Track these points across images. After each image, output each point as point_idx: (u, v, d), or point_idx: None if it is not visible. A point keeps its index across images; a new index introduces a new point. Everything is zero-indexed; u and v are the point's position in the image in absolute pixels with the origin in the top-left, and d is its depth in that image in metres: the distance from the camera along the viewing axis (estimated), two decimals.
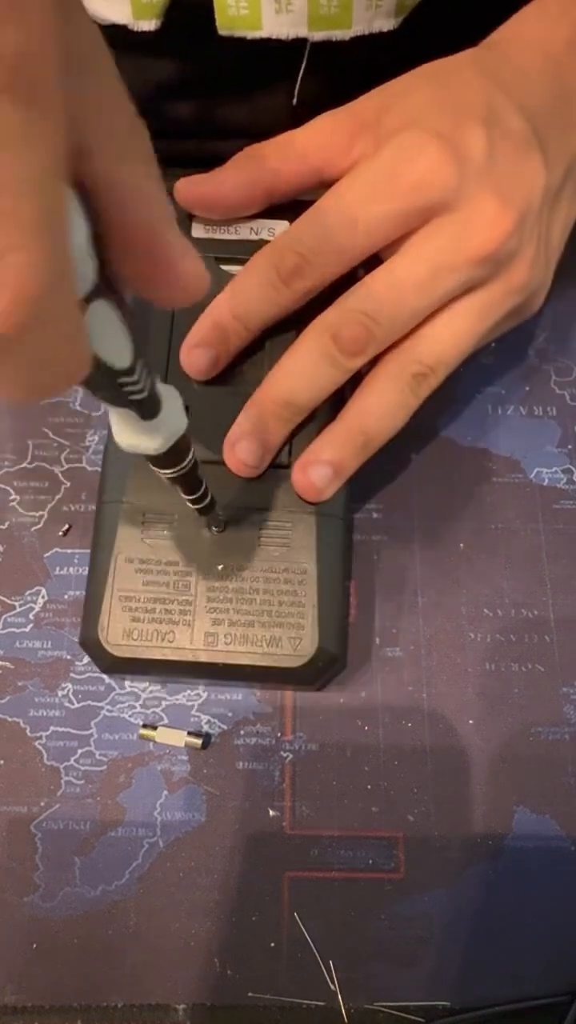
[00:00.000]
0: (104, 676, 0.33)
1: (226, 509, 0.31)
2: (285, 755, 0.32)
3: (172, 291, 0.17)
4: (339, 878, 0.30)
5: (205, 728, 0.32)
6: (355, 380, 0.31)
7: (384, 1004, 0.29)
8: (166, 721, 0.32)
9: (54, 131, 0.13)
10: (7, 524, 0.35)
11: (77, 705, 0.32)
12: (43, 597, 0.34)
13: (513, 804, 0.31)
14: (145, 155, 0.16)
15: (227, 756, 0.32)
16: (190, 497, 0.26)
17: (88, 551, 0.32)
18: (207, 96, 0.40)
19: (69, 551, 0.35)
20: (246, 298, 0.30)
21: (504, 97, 0.30)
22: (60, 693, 0.33)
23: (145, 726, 0.32)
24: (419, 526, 0.36)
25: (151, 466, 0.23)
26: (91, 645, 0.30)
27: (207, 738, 0.32)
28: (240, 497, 0.31)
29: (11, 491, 0.36)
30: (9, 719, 0.32)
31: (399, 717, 0.33)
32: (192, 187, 0.32)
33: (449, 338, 0.30)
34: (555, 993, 0.29)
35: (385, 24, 0.35)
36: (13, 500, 0.36)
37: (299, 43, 0.35)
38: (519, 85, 0.30)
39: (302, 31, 0.34)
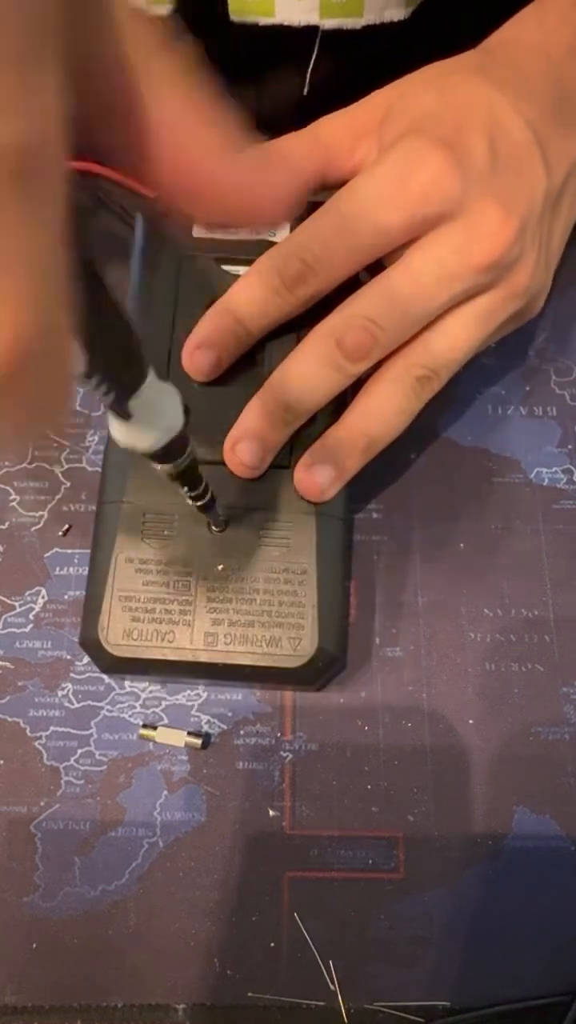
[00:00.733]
0: (104, 676, 0.33)
1: (226, 509, 0.31)
2: (285, 755, 0.32)
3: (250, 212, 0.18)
4: (339, 878, 0.30)
5: (205, 728, 0.32)
6: (356, 382, 0.31)
7: (384, 1004, 0.29)
8: (166, 721, 0.32)
9: (56, 203, 0.13)
10: (7, 524, 0.35)
11: (77, 705, 0.32)
12: (43, 597, 0.34)
13: (513, 804, 0.32)
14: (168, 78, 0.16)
15: (227, 756, 0.32)
16: (190, 494, 0.26)
17: (88, 551, 0.32)
18: (218, 84, 0.40)
19: (69, 551, 0.35)
20: (250, 302, 0.30)
21: (506, 103, 0.30)
22: (60, 693, 0.33)
23: (145, 726, 0.32)
24: (419, 526, 0.36)
25: (149, 462, 0.23)
26: (91, 645, 0.30)
27: (207, 738, 0.32)
28: (240, 497, 0.31)
29: (11, 491, 0.36)
30: (9, 719, 0.32)
31: (399, 717, 0.33)
32: None
33: (452, 342, 0.30)
34: (555, 993, 0.29)
35: (396, 14, 0.35)
36: (13, 500, 0.36)
37: (310, 31, 0.35)
38: (521, 90, 0.30)
39: (314, 18, 0.34)
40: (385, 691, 0.33)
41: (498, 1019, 0.29)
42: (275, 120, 0.32)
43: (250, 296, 0.30)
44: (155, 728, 0.32)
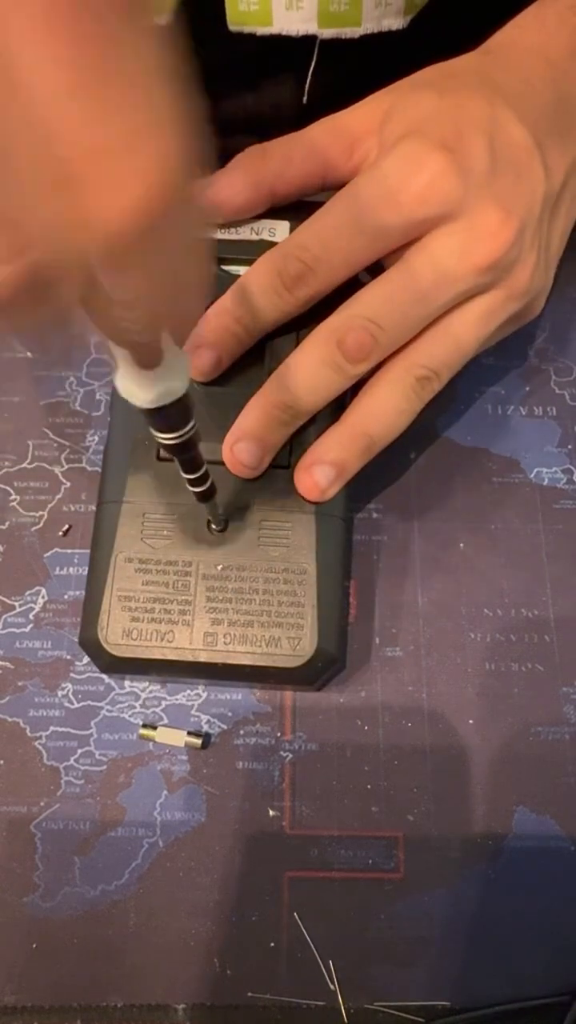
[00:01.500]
0: (104, 676, 0.33)
1: (226, 509, 0.31)
2: (285, 755, 0.32)
3: None
4: (339, 878, 0.30)
5: (205, 728, 0.32)
6: (356, 382, 0.31)
7: (384, 1004, 0.29)
8: (166, 721, 0.32)
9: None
10: (7, 524, 0.35)
11: (77, 705, 0.32)
12: (43, 597, 0.34)
13: (513, 804, 0.31)
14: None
15: (227, 756, 0.32)
16: (190, 477, 0.26)
17: (88, 551, 0.32)
18: (216, 93, 0.40)
19: (69, 551, 0.35)
20: (250, 303, 0.31)
21: (505, 106, 0.30)
22: (60, 693, 0.33)
23: (145, 726, 0.32)
24: (419, 526, 0.36)
25: (152, 432, 0.23)
26: (90, 645, 0.30)
27: (207, 738, 0.32)
28: (240, 497, 0.31)
29: (11, 491, 0.36)
30: (9, 719, 0.32)
31: (399, 717, 0.33)
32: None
33: (452, 343, 0.31)
34: (555, 993, 0.29)
35: (394, 23, 0.35)
36: (13, 500, 0.36)
37: (309, 40, 0.35)
38: (520, 92, 0.30)
39: (312, 28, 0.35)
40: (385, 691, 0.33)
41: (498, 1019, 0.29)
42: (274, 128, 0.32)
43: (250, 297, 0.30)
44: (155, 728, 0.32)
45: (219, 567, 0.30)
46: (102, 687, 0.33)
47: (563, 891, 0.30)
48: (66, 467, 0.36)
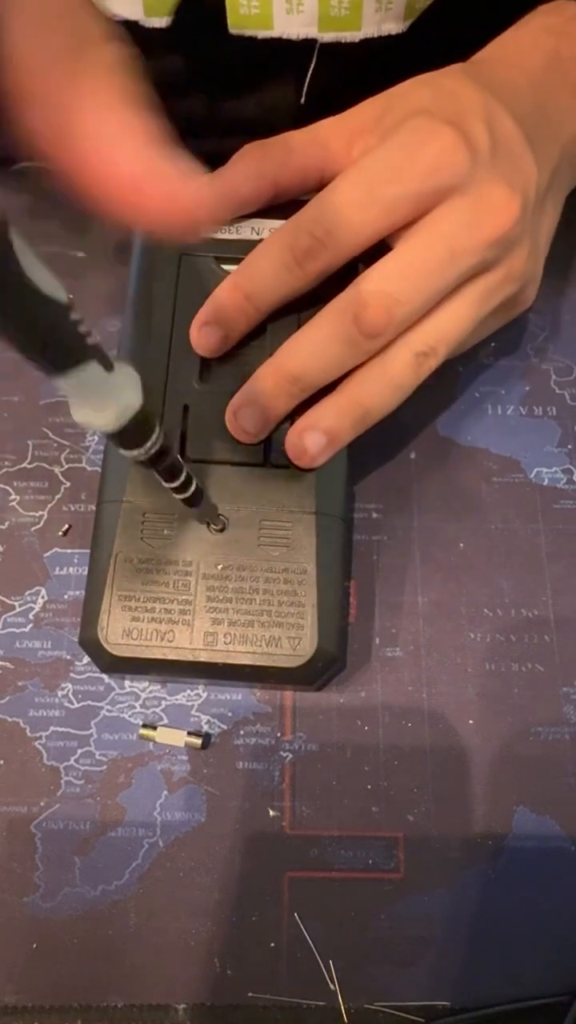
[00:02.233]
0: (104, 676, 0.33)
1: (226, 509, 0.31)
2: (285, 755, 0.32)
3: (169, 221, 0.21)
4: (339, 878, 0.30)
5: (205, 728, 0.32)
6: None
7: (384, 1004, 0.29)
8: (166, 721, 0.32)
9: None
10: (7, 524, 0.35)
11: (77, 705, 0.32)
12: (43, 597, 0.34)
13: (513, 804, 0.31)
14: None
15: (227, 756, 0.32)
16: (169, 485, 0.26)
17: (88, 551, 0.32)
18: (215, 94, 0.41)
19: (69, 551, 0.35)
20: (259, 278, 0.31)
21: (497, 102, 0.31)
22: (60, 693, 0.33)
23: (145, 726, 0.32)
24: (419, 526, 0.36)
25: (119, 450, 0.23)
26: (90, 645, 0.30)
27: (207, 738, 0.32)
28: (240, 497, 0.31)
29: (11, 491, 0.36)
30: (9, 719, 0.32)
31: (399, 717, 0.33)
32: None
33: (451, 320, 0.31)
34: (555, 993, 0.29)
35: (394, 27, 0.35)
36: (13, 500, 0.36)
37: (308, 44, 0.36)
38: (507, 94, 0.31)
39: (312, 32, 0.35)
40: (385, 691, 0.33)
41: (498, 1019, 0.29)
42: (272, 131, 0.33)
43: (259, 271, 0.31)
44: (155, 728, 0.32)
45: (219, 567, 0.30)
46: (102, 687, 0.33)
47: (563, 891, 0.30)
48: (66, 467, 0.36)
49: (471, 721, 0.33)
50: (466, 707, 0.33)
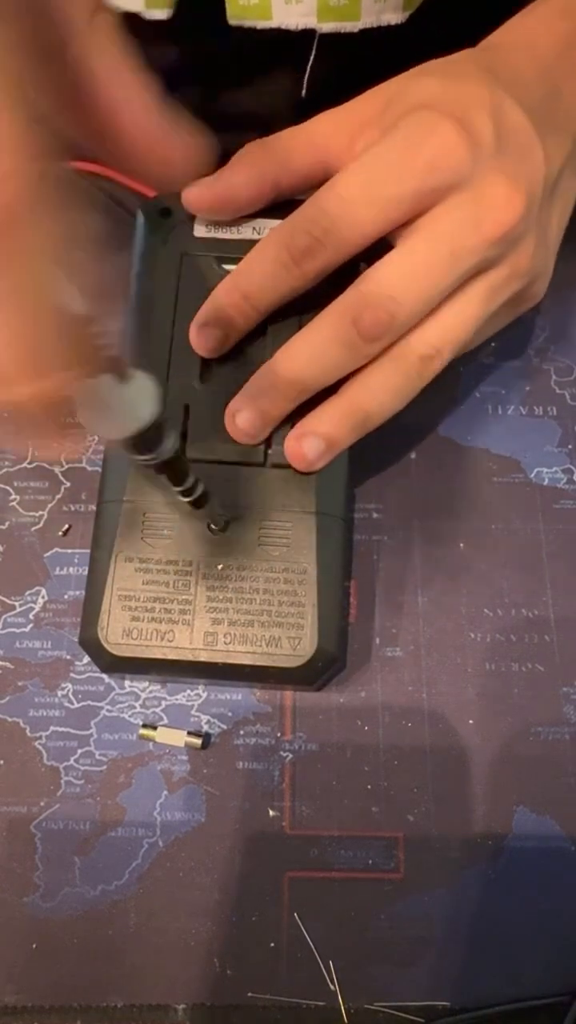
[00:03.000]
0: (104, 676, 0.33)
1: (226, 509, 0.31)
2: (285, 755, 0.32)
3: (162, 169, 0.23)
4: (339, 878, 0.30)
5: (205, 728, 0.32)
6: None
7: (384, 1004, 0.29)
8: (166, 721, 0.32)
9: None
10: (7, 524, 0.35)
11: (77, 705, 0.32)
12: (43, 597, 0.34)
13: (513, 804, 0.31)
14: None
15: (227, 756, 0.32)
16: (177, 489, 0.26)
17: (88, 551, 0.32)
18: (215, 85, 0.40)
19: (69, 551, 0.35)
20: (257, 278, 0.30)
21: (504, 93, 0.30)
22: (60, 693, 0.33)
23: (145, 726, 0.32)
24: (419, 526, 0.36)
25: (127, 454, 0.23)
26: (90, 644, 0.30)
27: (207, 738, 0.32)
28: (240, 497, 0.31)
29: (11, 491, 0.36)
30: (9, 719, 0.32)
31: (399, 717, 0.33)
32: (203, 191, 0.31)
33: (455, 321, 0.30)
34: (555, 993, 0.29)
35: (393, 17, 0.35)
36: (13, 500, 0.36)
37: (308, 34, 0.35)
38: (515, 84, 0.31)
39: (311, 22, 0.35)
40: (385, 691, 0.33)
41: (498, 1019, 0.29)
42: (273, 121, 0.33)
43: (258, 271, 0.30)
44: (155, 728, 0.32)
45: (219, 567, 0.30)
46: (102, 687, 0.33)
47: (563, 891, 0.30)
48: (66, 467, 0.36)
49: (471, 721, 0.33)
50: (466, 707, 0.33)
